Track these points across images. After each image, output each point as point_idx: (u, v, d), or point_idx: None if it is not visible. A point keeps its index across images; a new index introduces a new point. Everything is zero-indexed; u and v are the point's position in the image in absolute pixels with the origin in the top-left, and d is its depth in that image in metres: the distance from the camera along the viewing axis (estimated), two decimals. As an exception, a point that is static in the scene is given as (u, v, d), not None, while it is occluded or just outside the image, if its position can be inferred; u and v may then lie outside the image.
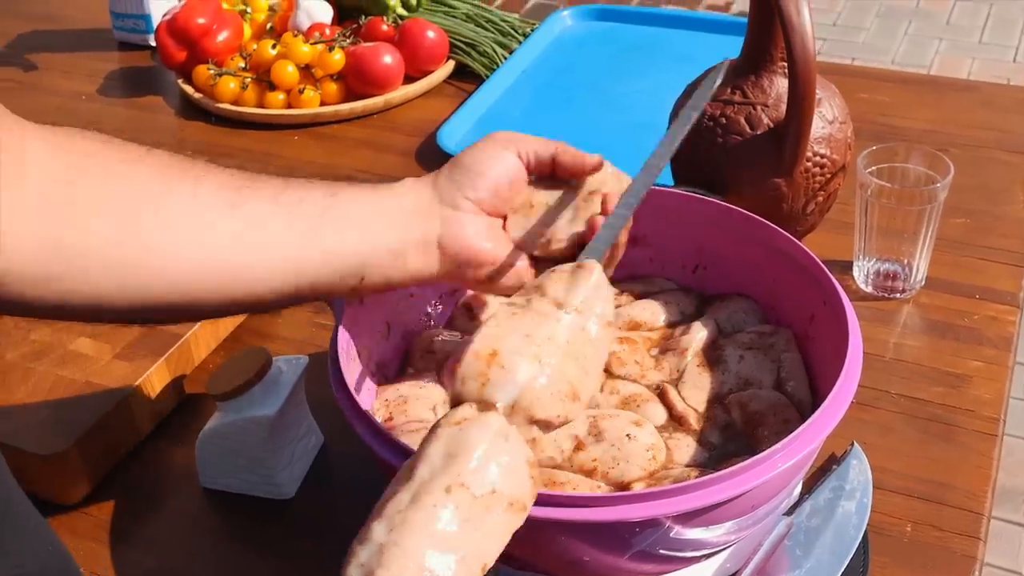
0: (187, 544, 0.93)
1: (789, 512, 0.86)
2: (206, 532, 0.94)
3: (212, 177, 0.72)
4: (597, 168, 0.83)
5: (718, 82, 0.90)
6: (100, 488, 0.97)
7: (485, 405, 0.65)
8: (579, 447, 0.81)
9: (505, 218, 0.83)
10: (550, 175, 0.84)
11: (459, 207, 0.80)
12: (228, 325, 1.11)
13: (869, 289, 1.15)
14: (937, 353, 1.06)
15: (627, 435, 0.80)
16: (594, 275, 0.72)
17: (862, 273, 1.15)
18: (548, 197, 0.83)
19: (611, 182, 0.84)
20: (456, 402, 0.66)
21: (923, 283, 1.14)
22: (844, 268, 1.17)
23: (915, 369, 1.05)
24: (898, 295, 1.14)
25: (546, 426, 0.66)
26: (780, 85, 1.10)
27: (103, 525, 0.94)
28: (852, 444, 0.93)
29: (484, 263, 0.81)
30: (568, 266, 0.73)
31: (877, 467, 0.92)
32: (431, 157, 1.46)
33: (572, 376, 0.67)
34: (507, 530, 0.62)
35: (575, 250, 0.81)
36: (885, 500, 0.90)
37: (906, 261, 1.12)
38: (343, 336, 0.84)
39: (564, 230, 0.82)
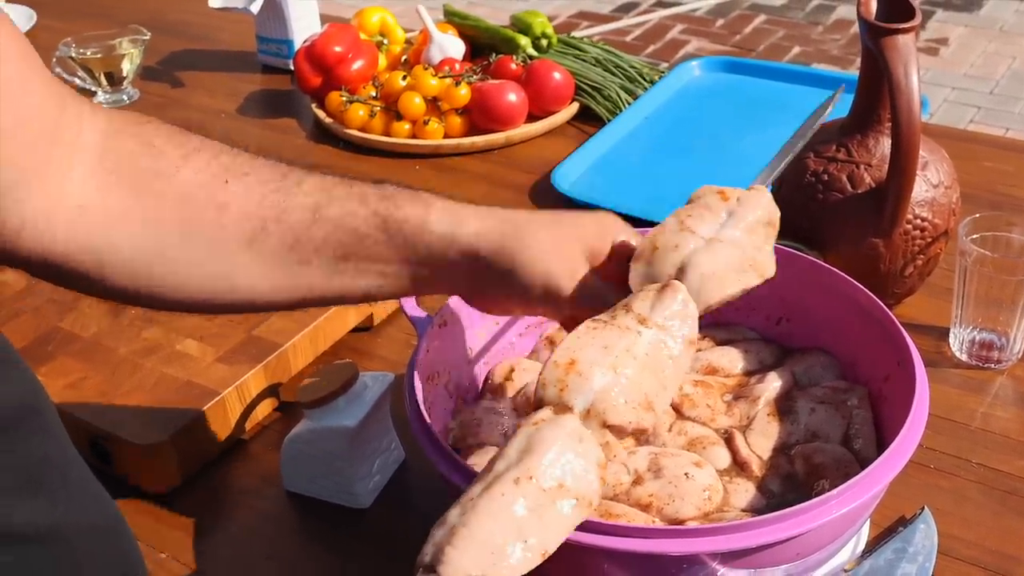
0: (264, 540, 0.97)
1: (848, 569, 0.86)
2: (285, 532, 0.98)
3: (239, 205, 0.74)
4: None
5: (827, 112, 0.95)
6: (190, 481, 1.02)
7: (562, 408, 0.69)
8: (637, 481, 0.82)
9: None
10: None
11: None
12: (328, 339, 1.16)
13: (964, 357, 1.13)
14: (1026, 426, 1.05)
15: (685, 474, 0.82)
16: (680, 295, 0.75)
17: (958, 341, 1.14)
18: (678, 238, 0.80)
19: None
20: (537, 406, 0.70)
21: (1021, 355, 1.12)
22: (941, 334, 1.16)
23: (1001, 441, 1.03)
24: (994, 366, 1.12)
25: (619, 431, 0.70)
26: (885, 146, 1.10)
27: (189, 515, 0.99)
28: (923, 508, 0.93)
29: None
30: (655, 285, 0.76)
31: (947, 534, 0.91)
32: (546, 195, 1.49)
33: (648, 387, 0.72)
34: (570, 522, 0.66)
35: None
36: (950, 567, 0.89)
37: (1004, 331, 1.11)
38: (424, 358, 0.88)
39: None
